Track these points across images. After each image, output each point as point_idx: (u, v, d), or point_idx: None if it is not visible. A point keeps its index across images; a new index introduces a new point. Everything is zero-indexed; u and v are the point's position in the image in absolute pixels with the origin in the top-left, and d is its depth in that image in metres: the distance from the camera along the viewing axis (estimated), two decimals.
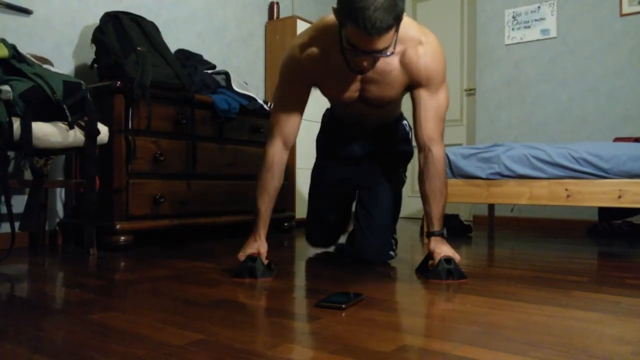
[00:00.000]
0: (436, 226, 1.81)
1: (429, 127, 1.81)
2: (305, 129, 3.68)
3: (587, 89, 3.97)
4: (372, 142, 2.20)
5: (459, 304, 1.38)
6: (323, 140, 2.41)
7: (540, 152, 2.75)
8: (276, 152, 1.85)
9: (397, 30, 1.53)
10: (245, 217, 2.94)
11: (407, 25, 1.72)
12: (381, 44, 1.50)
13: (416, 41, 1.75)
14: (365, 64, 1.60)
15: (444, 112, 1.85)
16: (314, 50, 1.78)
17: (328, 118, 2.43)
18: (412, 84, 1.81)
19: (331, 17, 1.70)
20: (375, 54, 1.55)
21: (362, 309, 1.31)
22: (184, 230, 3.00)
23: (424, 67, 1.77)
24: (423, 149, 1.83)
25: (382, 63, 1.71)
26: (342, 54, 1.63)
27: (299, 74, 1.83)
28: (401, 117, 2.27)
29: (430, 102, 1.80)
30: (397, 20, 1.49)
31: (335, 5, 1.55)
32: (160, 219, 2.58)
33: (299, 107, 1.88)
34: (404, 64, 1.76)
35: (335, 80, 1.83)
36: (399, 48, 1.71)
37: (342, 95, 1.87)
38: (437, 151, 1.81)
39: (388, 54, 1.56)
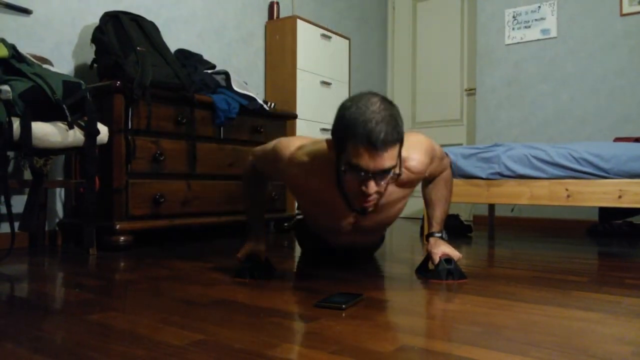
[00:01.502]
0: (436, 228, 1.83)
1: (434, 172, 1.80)
2: (304, 128, 3.69)
3: (587, 89, 3.97)
4: (357, 253, 2.15)
5: (459, 304, 1.38)
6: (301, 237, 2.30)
7: (541, 152, 2.75)
8: (258, 178, 1.82)
9: (400, 148, 1.40)
10: (245, 217, 2.93)
11: None
12: (387, 161, 1.35)
13: (402, 159, 1.52)
14: (370, 189, 1.39)
15: (441, 152, 1.80)
16: (309, 168, 1.58)
17: (302, 232, 2.23)
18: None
19: (322, 145, 1.53)
20: (384, 172, 1.37)
21: (362, 309, 1.31)
22: (184, 230, 3.00)
23: (423, 170, 1.66)
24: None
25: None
26: (342, 195, 1.48)
27: (285, 175, 1.67)
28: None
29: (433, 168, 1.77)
30: (400, 136, 1.37)
31: (329, 138, 1.43)
32: (160, 219, 2.58)
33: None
34: (402, 184, 1.63)
35: (325, 206, 1.67)
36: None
37: (330, 223, 1.73)
38: (444, 172, 1.85)
39: (396, 173, 1.40)
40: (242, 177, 1.88)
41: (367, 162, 1.34)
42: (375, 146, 1.31)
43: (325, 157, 1.52)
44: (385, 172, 1.38)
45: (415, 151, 1.62)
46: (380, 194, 1.45)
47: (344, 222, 1.73)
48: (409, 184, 1.66)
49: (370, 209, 1.52)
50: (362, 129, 1.31)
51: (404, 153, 1.48)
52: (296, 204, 2.44)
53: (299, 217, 2.29)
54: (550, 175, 2.72)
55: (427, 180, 1.85)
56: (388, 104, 1.39)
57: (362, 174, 1.37)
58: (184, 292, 1.51)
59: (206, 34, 3.52)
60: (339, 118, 1.39)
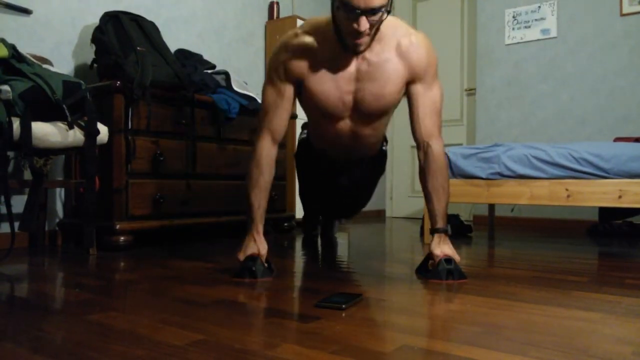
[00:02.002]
0: (439, 223, 1.79)
1: (427, 123, 1.80)
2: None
3: (587, 89, 3.97)
4: (355, 170, 2.21)
5: (459, 304, 1.38)
6: (301, 165, 2.43)
7: (541, 152, 2.75)
8: (264, 147, 1.81)
9: None
10: (245, 217, 2.93)
11: (396, 21, 1.73)
12: (376, 0, 1.47)
13: (408, 33, 1.76)
14: (362, 26, 1.54)
15: (440, 107, 1.84)
16: (304, 42, 1.75)
17: (304, 154, 2.37)
18: (409, 77, 1.78)
19: (322, 17, 1.68)
20: (373, 11, 1.50)
21: (362, 309, 1.31)
22: (184, 230, 3.00)
23: (421, 55, 1.76)
24: (422, 145, 1.82)
25: (377, 55, 1.70)
26: (336, 34, 1.59)
27: (287, 67, 1.78)
28: (385, 143, 2.32)
29: (427, 97, 1.80)
30: None
31: (318, 23, 1.54)
32: (160, 219, 2.58)
33: (287, 102, 1.83)
34: (400, 53, 1.74)
35: (327, 77, 1.77)
36: (393, 39, 1.70)
37: (334, 98, 1.80)
38: (436, 146, 1.80)
39: (384, 11, 1.52)
40: (250, 158, 1.84)
41: (357, 0, 1.45)
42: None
43: (316, 22, 1.74)
44: (375, 10, 1.48)
45: (421, 42, 1.75)
46: (371, 31, 1.58)
47: (345, 86, 1.77)
48: (406, 61, 1.74)
49: (362, 47, 1.63)
50: None
51: (411, 36, 1.71)
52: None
53: (304, 136, 2.40)
54: (550, 175, 2.72)
55: (421, 169, 1.83)
56: None
57: (354, 12, 1.47)
58: (184, 292, 1.51)
59: (206, 34, 3.52)
60: None
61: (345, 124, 1.92)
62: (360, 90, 1.79)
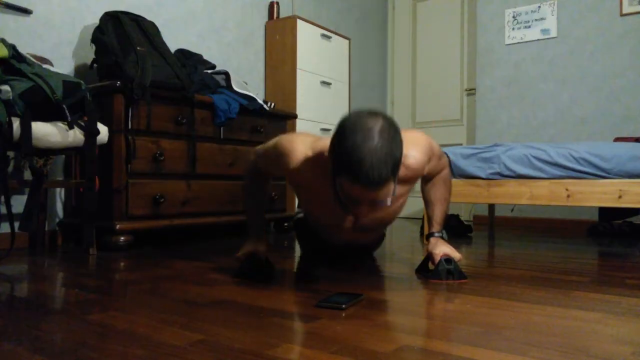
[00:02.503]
0: (436, 228, 1.84)
1: (433, 171, 1.80)
2: (304, 128, 3.69)
3: (587, 89, 3.97)
4: (359, 249, 2.16)
5: (459, 304, 1.38)
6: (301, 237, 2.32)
7: (541, 152, 2.75)
8: (261, 177, 1.82)
9: (394, 180, 1.38)
10: (245, 217, 2.93)
11: None
12: (381, 195, 1.37)
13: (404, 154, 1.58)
14: (362, 214, 1.44)
15: (439, 151, 1.79)
16: (310, 166, 1.58)
17: (302, 232, 2.25)
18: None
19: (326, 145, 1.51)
20: (376, 204, 1.40)
21: (362, 309, 1.31)
22: (184, 230, 3.00)
23: (421, 165, 1.66)
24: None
25: None
26: (335, 198, 1.45)
27: (287, 172, 1.65)
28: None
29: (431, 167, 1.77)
30: (395, 168, 1.35)
31: (326, 153, 1.42)
32: (160, 219, 2.58)
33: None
34: (401, 181, 1.61)
35: (326, 205, 1.63)
36: None
37: (332, 219, 1.73)
38: (443, 171, 1.85)
39: (389, 203, 1.41)
40: (244, 176, 1.87)
41: (360, 195, 1.35)
42: (368, 187, 1.31)
43: (323, 157, 1.53)
44: (378, 203, 1.39)
45: (413, 149, 1.62)
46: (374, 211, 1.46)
47: (345, 220, 1.73)
48: (407, 182, 1.67)
49: (366, 217, 1.52)
50: (357, 168, 1.28)
51: (406, 161, 1.53)
52: (296, 202, 2.45)
53: (299, 215, 2.29)
54: (550, 175, 2.72)
55: (426, 179, 1.85)
56: (388, 132, 1.32)
57: (357, 202, 1.38)
58: (184, 292, 1.51)
59: (206, 34, 3.52)
60: (337, 144, 1.34)
61: (344, 234, 1.85)
62: (361, 220, 1.68)
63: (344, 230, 1.79)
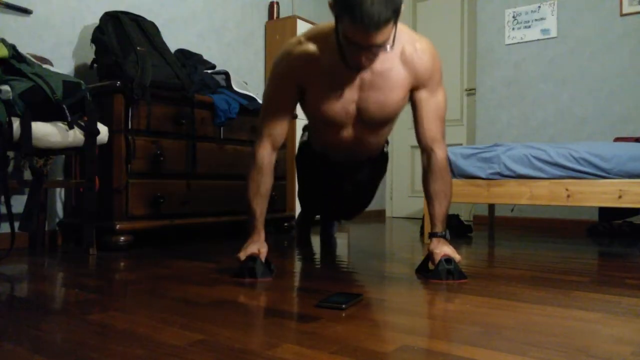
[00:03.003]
0: (438, 227, 1.81)
1: (431, 128, 1.80)
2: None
3: (587, 89, 3.97)
4: (357, 171, 2.21)
5: (459, 304, 1.38)
6: (302, 167, 2.44)
7: (541, 152, 2.75)
8: (265, 154, 1.81)
9: (395, 23, 1.47)
10: (245, 217, 2.94)
11: (400, 27, 1.70)
12: (380, 38, 1.45)
13: (412, 39, 1.75)
14: (363, 59, 1.54)
15: (444, 113, 1.84)
16: (306, 50, 1.71)
17: (305, 156, 2.37)
18: (414, 84, 1.77)
19: (326, 23, 1.66)
20: (374, 49, 1.50)
21: (362, 309, 1.31)
22: (184, 230, 3.00)
23: (425, 62, 1.74)
24: (425, 150, 1.82)
25: (381, 63, 1.67)
26: (338, 50, 1.57)
27: (289, 75, 1.77)
28: (386, 144, 2.34)
29: (431, 103, 1.79)
30: (396, 13, 1.43)
31: (319, 31, 1.51)
32: (160, 219, 2.58)
33: (288, 109, 1.83)
34: (404, 61, 1.73)
35: (330, 87, 1.74)
36: (397, 46, 1.67)
37: (337, 107, 1.78)
38: (439, 152, 1.81)
39: (387, 48, 1.51)
40: (250, 165, 1.84)
41: (361, 38, 1.44)
42: (369, 27, 1.39)
43: (321, 30, 1.70)
44: (379, 45, 1.47)
45: (425, 48, 1.74)
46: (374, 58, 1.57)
47: (348, 96, 1.76)
48: (410, 69, 1.72)
49: (365, 68, 1.64)
50: (358, 9, 1.36)
51: (416, 43, 1.68)
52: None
53: (304, 138, 2.40)
54: (550, 175, 2.72)
55: (425, 176, 1.84)
56: None
57: (357, 47, 1.48)
58: (184, 292, 1.51)
59: (206, 34, 3.52)
60: None
61: (348, 132, 1.93)
62: (363, 99, 1.78)
63: (348, 128, 1.85)
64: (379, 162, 2.39)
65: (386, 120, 1.91)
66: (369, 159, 2.27)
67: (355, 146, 2.01)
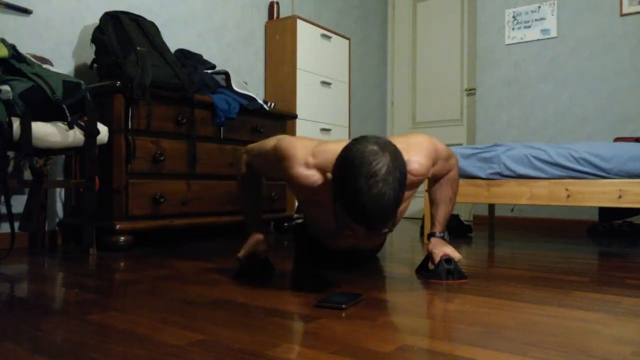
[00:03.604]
0: (438, 228, 1.82)
1: (442, 167, 1.77)
2: (303, 128, 3.69)
3: (587, 89, 3.97)
4: (360, 254, 2.13)
5: (459, 304, 1.38)
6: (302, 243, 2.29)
7: (541, 152, 2.75)
8: (254, 173, 1.79)
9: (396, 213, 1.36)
10: (242, 216, 2.93)
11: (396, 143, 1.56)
12: (383, 230, 1.38)
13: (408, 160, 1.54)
14: (363, 242, 1.52)
15: (444, 151, 1.75)
16: (309, 179, 1.54)
17: (302, 239, 2.21)
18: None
19: (338, 145, 1.45)
20: (378, 232, 1.39)
21: (362, 309, 1.31)
22: (184, 230, 3.00)
23: (422, 175, 1.63)
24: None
25: None
26: (335, 216, 1.42)
27: (287, 180, 1.63)
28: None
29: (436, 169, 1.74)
30: (398, 207, 1.32)
31: (330, 174, 1.38)
32: (160, 219, 2.58)
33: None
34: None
35: (327, 214, 1.55)
36: None
37: (334, 231, 1.65)
38: (454, 171, 1.84)
39: (389, 231, 1.43)
40: (237, 176, 1.85)
41: (362, 232, 1.34)
42: (371, 230, 1.32)
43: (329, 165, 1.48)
44: (379, 232, 1.38)
45: (417, 154, 1.60)
46: None
47: (347, 239, 1.70)
48: (411, 187, 1.62)
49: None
50: (360, 215, 1.27)
51: (405, 156, 1.41)
52: (296, 205, 2.43)
53: (299, 220, 2.26)
54: (550, 175, 2.72)
55: (432, 180, 1.84)
56: (393, 173, 1.27)
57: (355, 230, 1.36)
58: (184, 292, 1.51)
59: (206, 34, 3.52)
60: (339, 180, 1.31)
61: (348, 240, 1.79)
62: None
63: (346, 238, 1.73)
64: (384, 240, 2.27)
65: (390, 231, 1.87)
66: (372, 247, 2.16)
67: (354, 245, 1.89)
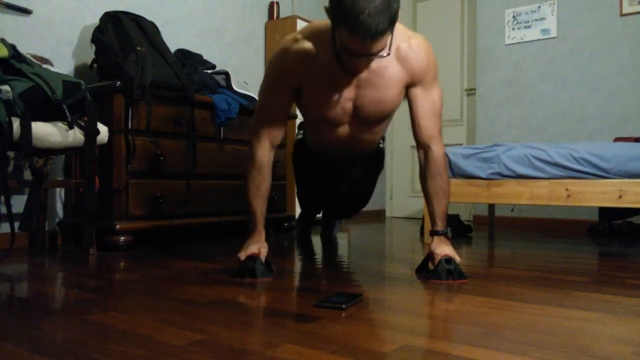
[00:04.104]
0: (439, 225, 1.80)
1: (428, 125, 1.80)
2: None
3: (587, 89, 3.97)
4: (353, 167, 2.23)
5: (459, 304, 1.38)
6: (298, 164, 2.46)
7: (541, 152, 2.75)
8: (265, 153, 1.81)
9: (391, 32, 1.50)
10: (245, 217, 2.93)
11: (396, 26, 1.71)
12: (376, 47, 1.48)
13: (407, 36, 1.76)
14: (360, 68, 1.58)
15: (440, 109, 1.84)
16: (303, 48, 1.71)
17: (301, 154, 2.39)
18: (409, 80, 1.78)
19: (322, 21, 1.67)
20: (370, 56, 1.53)
21: (362, 309, 1.31)
22: (184, 230, 3.00)
23: (420, 59, 1.75)
24: (422, 147, 1.83)
25: (377, 61, 1.67)
26: (334, 53, 1.58)
27: (285, 73, 1.76)
28: (382, 140, 2.36)
29: (427, 100, 1.80)
30: (392, 22, 1.45)
31: (327, 5, 1.50)
32: (160, 219, 2.58)
33: (285, 107, 1.83)
34: (399, 58, 1.74)
35: (326, 85, 1.75)
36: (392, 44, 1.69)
37: (333, 105, 1.79)
38: (437, 149, 1.81)
39: (384, 55, 1.53)
40: (247, 165, 1.84)
41: (357, 48, 1.46)
42: (365, 39, 1.41)
43: (317, 28, 1.70)
44: (375, 54, 1.50)
45: (420, 45, 1.75)
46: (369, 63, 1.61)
47: (345, 94, 1.76)
48: (406, 66, 1.73)
49: (361, 72, 1.67)
50: (355, 20, 1.37)
51: (410, 40, 1.67)
52: (296, 137, 2.53)
53: (299, 137, 2.40)
54: (550, 175, 2.72)
55: (423, 173, 1.83)
56: None
57: (353, 54, 1.50)
58: (184, 292, 1.51)
59: (206, 34, 3.52)
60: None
61: (344, 129, 1.93)
62: (360, 96, 1.79)
63: (344, 126, 1.85)
64: (374, 157, 2.41)
65: (382, 118, 1.92)
66: (364, 155, 2.28)
67: (351, 143, 2.02)
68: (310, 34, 1.72)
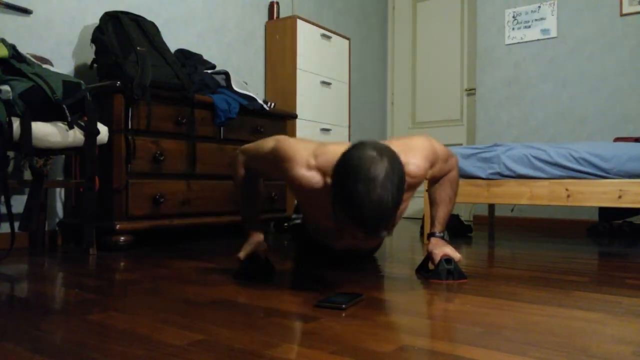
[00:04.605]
0: (438, 228, 1.82)
1: (441, 169, 1.76)
2: (303, 128, 3.69)
3: (587, 89, 3.97)
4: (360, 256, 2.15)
5: (459, 304, 1.38)
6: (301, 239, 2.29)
7: (541, 152, 2.75)
8: (251, 173, 1.78)
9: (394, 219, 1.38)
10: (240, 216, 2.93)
11: (393, 144, 1.54)
12: (381, 234, 1.37)
13: (405, 162, 1.50)
14: (360, 243, 1.49)
15: (444, 152, 1.75)
16: (310, 181, 1.52)
17: (300, 237, 2.22)
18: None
19: (339, 148, 1.44)
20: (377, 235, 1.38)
21: (362, 309, 1.31)
22: (184, 230, 3.00)
23: (421, 174, 1.62)
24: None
25: None
26: (334, 220, 1.40)
27: (284, 178, 1.60)
28: None
29: (435, 170, 1.73)
30: (397, 210, 1.32)
31: (329, 179, 1.38)
32: (160, 219, 2.58)
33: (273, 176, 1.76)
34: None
35: (328, 220, 1.51)
36: None
37: (333, 232, 1.62)
38: (454, 172, 1.83)
39: (388, 234, 1.42)
40: (233, 177, 1.83)
41: (361, 236, 1.35)
42: (371, 235, 1.32)
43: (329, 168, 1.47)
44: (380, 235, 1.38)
45: (415, 156, 1.59)
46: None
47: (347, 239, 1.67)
48: (409, 189, 1.61)
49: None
50: (358, 219, 1.27)
51: (403, 158, 1.41)
52: (295, 203, 2.44)
53: (297, 221, 2.25)
54: (550, 175, 2.72)
55: (432, 181, 1.84)
56: (391, 179, 1.27)
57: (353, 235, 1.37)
58: (184, 292, 1.51)
59: (206, 34, 3.52)
60: (338, 184, 1.30)
61: (347, 241, 1.73)
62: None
63: (345, 239, 1.70)
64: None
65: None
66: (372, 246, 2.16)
67: (354, 247, 1.88)
68: (323, 166, 1.50)
